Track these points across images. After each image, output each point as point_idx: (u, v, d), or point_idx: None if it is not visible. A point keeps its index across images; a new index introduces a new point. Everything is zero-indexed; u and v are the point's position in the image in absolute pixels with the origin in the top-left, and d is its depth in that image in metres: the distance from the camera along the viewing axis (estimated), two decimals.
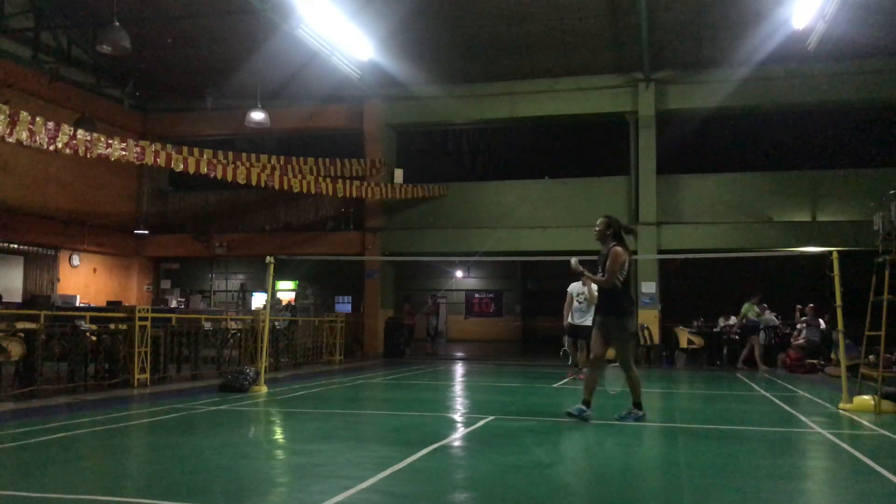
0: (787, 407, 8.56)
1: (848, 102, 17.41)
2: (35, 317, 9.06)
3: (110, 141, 11.18)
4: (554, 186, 18.92)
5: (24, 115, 9.66)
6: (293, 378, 11.75)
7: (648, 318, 16.89)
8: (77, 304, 16.57)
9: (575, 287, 11.54)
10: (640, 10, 14.57)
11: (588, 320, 11.29)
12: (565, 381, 11.72)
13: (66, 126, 10.45)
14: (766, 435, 6.87)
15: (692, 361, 16.82)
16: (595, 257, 7.20)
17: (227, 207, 20.87)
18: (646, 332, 16.57)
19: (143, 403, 8.36)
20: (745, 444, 6.17)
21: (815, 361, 14.38)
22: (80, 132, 10.61)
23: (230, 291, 26.13)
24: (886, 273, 7.90)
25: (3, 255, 17.03)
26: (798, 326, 15.57)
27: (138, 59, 17.25)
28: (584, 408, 6.90)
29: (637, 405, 7.08)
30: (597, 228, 7.07)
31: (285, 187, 15.50)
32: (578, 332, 11.36)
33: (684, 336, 16.89)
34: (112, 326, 10.00)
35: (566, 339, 12.17)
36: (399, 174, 18.73)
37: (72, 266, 18.81)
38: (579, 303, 11.50)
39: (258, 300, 24.18)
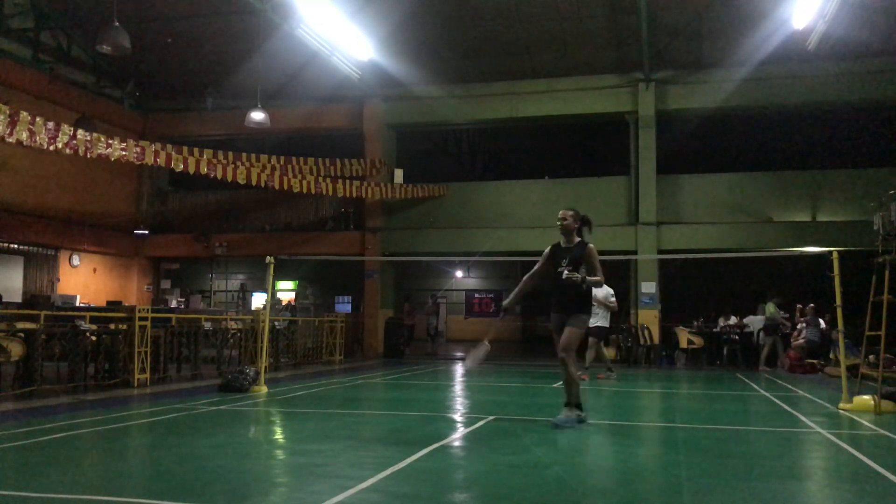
0: (787, 407, 8.55)
1: (848, 102, 17.42)
2: (35, 317, 9.07)
3: (110, 141, 11.18)
4: (554, 186, 18.92)
5: (24, 115, 9.66)
6: (293, 378, 11.74)
7: (648, 318, 16.90)
8: (77, 304, 16.57)
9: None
10: (640, 11, 14.58)
11: (597, 322, 11.65)
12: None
13: (66, 126, 10.46)
14: (766, 435, 6.86)
15: (692, 361, 16.81)
16: (601, 257, 7.01)
17: (227, 207, 20.87)
18: (646, 332, 16.57)
19: (143, 403, 8.35)
20: (745, 444, 6.16)
21: (815, 361, 14.38)
22: (80, 132, 10.62)
23: (230, 291, 26.13)
24: (886, 273, 7.89)
25: (3, 255, 17.03)
26: (798, 326, 15.56)
27: (138, 59, 17.25)
28: (580, 413, 6.58)
29: (576, 406, 6.56)
30: (565, 221, 6.61)
31: (285, 187, 15.51)
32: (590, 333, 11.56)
33: (684, 336, 16.88)
34: (112, 326, 10.00)
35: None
36: (399, 174, 18.74)
37: (72, 266, 18.81)
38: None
39: (258, 300, 24.18)
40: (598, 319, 12.07)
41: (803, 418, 7.52)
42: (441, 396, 9.99)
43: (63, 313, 11.09)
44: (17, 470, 4.73)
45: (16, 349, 8.43)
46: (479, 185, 21.27)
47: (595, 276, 6.49)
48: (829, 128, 20.01)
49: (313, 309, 21.98)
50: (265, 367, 10.14)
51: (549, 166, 21.50)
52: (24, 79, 16.56)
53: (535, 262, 6.92)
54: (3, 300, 15.68)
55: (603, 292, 12.11)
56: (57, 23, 17.25)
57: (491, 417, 7.02)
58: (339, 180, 16.86)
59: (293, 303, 23.66)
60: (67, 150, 10.42)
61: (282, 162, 16.13)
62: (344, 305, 25.14)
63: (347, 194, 17.04)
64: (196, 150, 14.15)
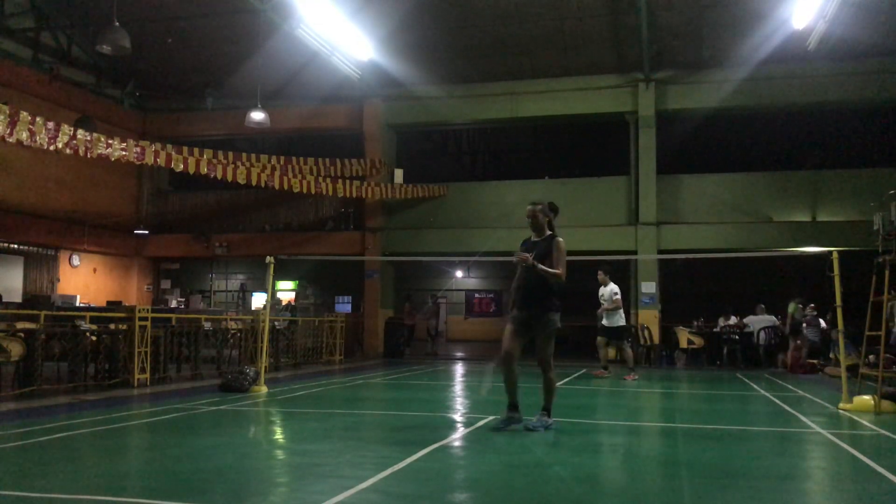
0: (787, 407, 8.55)
1: (848, 102, 17.42)
2: (35, 317, 9.06)
3: (110, 141, 11.18)
4: (554, 186, 18.91)
5: (24, 115, 9.66)
6: (293, 378, 11.74)
7: (648, 318, 16.89)
8: (77, 304, 16.56)
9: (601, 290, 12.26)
10: (640, 11, 14.58)
11: (617, 321, 12.24)
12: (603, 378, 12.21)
13: (66, 126, 10.46)
14: (766, 435, 6.86)
15: (692, 361, 16.82)
16: (598, 257, 7.02)
17: (227, 207, 20.88)
18: (646, 332, 16.57)
19: (143, 403, 8.35)
20: (745, 444, 6.16)
21: (815, 361, 14.37)
22: (80, 132, 10.62)
23: (230, 291, 26.13)
24: (886, 273, 7.89)
25: (3, 255, 17.03)
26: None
27: (138, 59, 17.26)
28: (512, 415, 6.26)
29: (547, 411, 6.33)
30: (534, 217, 6.45)
31: (285, 187, 15.51)
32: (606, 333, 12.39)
33: (684, 336, 16.88)
34: (112, 326, 10.00)
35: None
36: (399, 174, 18.74)
37: (72, 266, 18.81)
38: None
39: (258, 300, 24.17)
40: (617, 319, 12.20)
41: (803, 418, 7.52)
42: (441, 396, 9.99)
43: (63, 313, 11.09)
44: (17, 470, 4.72)
45: (16, 349, 8.43)
46: (479, 185, 21.27)
47: (555, 268, 6.17)
48: (829, 128, 20.01)
49: (313, 309, 21.98)
50: (265, 367, 10.14)
51: (549, 166, 21.51)
52: (24, 79, 16.56)
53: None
54: (3, 300, 15.69)
55: (608, 291, 12.21)
56: (57, 23, 17.26)
57: (491, 417, 7.02)
58: (339, 180, 16.85)
59: (293, 303, 23.66)
60: (67, 150, 10.42)
61: (282, 162, 16.12)
62: (344, 305, 25.12)
63: (347, 194, 17.04)
64: (196, 150, 14.15)
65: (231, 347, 12.62)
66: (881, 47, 15.99)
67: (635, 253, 17.14)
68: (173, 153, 12.97)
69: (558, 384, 11.30)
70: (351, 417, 7.59)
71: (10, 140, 9.60)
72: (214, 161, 14.13)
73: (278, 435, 6.56)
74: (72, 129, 10.54)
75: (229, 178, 14.13)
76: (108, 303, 17.67)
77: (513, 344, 6.24)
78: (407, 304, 19.99)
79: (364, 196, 17.77)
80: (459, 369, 14.56)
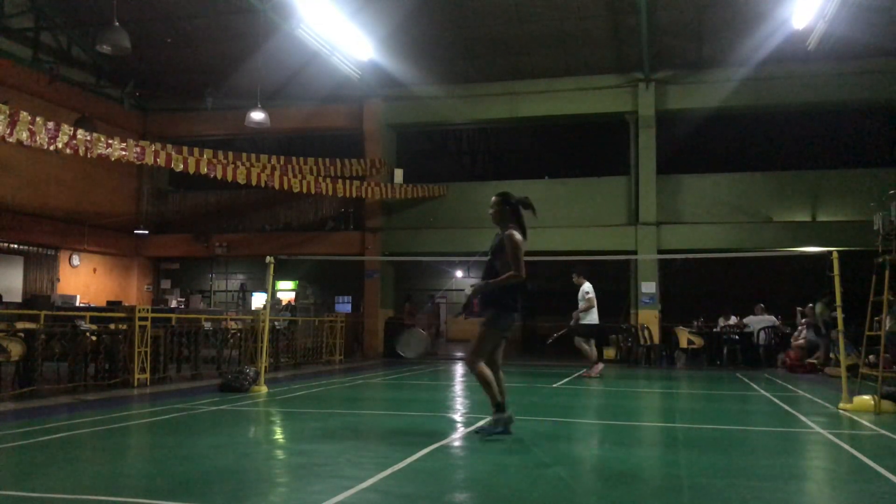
0: (787, 407, 8.55)
1: (848, 102, 17.41)
2: (35, 317, 9.07)
3: (110, 141, 11.18)
4: (554, 186, 18.91)
5: (24, 115, 9.66)
6: (293, 378, 11.75)
7: (648, 318, 16.89)
8: (77, 304, 16.57)
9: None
10: (640, 10, 14.58)
11: (585, 319, 12.27)
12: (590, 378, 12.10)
13: (66, 126, 10.45)
14: (766, 435, 6.86)
15: (692, 361, 16.82)
16: (598, 257, 6.97)
17: (227, 207, 20.87)
18: (646, 332, 16.58)
19: (143, 403, 8.35)
20: (745, 444, 6.16)
21: (815, 361, 14.37)
22: (80, 132, 10.61)
23: (230, 291, 26.12)
24: (886, 273, 7.90)
25: (3, 255, 17.03)
26: (799, 327, 15.56)
27: (138, 59, 17.25)
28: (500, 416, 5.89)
29: (497, 406, 5.83)
30: (491, 210, 6.20)
31: (285, 187, 15.50)
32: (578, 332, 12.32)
33: (684, 336, 16.88)
34: (112, 326, 10.00)
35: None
36: (399, 174, 18.74)
37: (72, 266, 18.81)
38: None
39: (258, 300, 24.17)
40: (589, 318, 12.22)
41: (803, 418, 7.52)
42: (441, 396, 9.99)
43: (63, 313, 11.09)
44: (17, 470, 4.73)
45: (16, 349, 8.44)
46: (479, 185, 21.24)
47: (505, 272, 5.80)
48: (829, 128, 20.00)
49: (313, 309, 21.98)
50: (265, 367, 10.14)
51: (549, 166, 21.49)
52: (24, 79, 16.56)
53: (533, 262, 6.92)
54: (3, 300, 15.69)
55: (581, 291, 12.28)
56: (57, 23, 17.26)
57: (491, 417, 7.01)
58: (339, 180, 16.85)
59: (293, 303, 23.65)
60: (67, 150, 10.42)
61: (282, 162, 16.12)
62: (344, 305, 25.12)
63: (347, 194, 17.04)
64: (196, 150, 14.14)
65: (231, 347, 12.62)
66: (881, 47, 15.99)
67: (635, 253, 17.14)
68: (173, 153, 12.97)
69: (558, 384, 11.33)
70: (351, 417, 7.60)
71: (10, 140, 9.60)
72: (214, 161, 14.12)
73: (278, 435, 6.56)
74: (72, 129, 10.54)
75: (229, 178, 14.12)
76: (108, 303, 17.68)
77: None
78: (407, 304, 19.98)
79: (364, 196, 17.77)
80: (459, 369, 14.56)
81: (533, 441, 5.92)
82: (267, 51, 15.38)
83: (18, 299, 16.78)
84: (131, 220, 20.67)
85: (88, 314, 10.85)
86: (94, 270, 19.65)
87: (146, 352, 10.00)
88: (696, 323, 17.57)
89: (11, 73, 16.23)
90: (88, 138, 10.72)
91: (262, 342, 10.29)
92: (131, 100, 20.07)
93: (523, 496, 4.14)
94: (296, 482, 4.49)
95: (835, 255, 8.27)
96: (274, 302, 17.24)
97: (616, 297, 18.48)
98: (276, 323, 14.12)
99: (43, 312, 9.23)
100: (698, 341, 16.74)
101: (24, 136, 9.63)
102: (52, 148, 10.16)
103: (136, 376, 9.77)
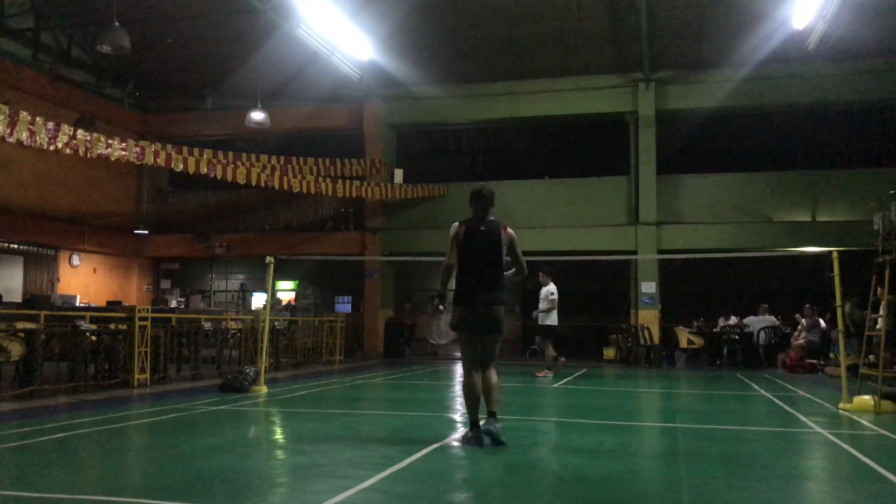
0: (787, 407, 8.56)
1: (848, 102, 17.42)
2: (35, 317, 9.06)
3: (110, 141, 11.18)
4: (554, 186, 18.91)
5: (24, 115, 9.66)
6: (293, 378, 11.75)
7: (648, 318, 16.89)
8: (77, 304, 16.56)
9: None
10: (640, 10, 14.58)
11: (544, 320, 12.30)
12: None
13: (66, 126, 10.45)
14: (766, 435, 6.86)
15: (692, 361, 16.82)
16: (598, 257, 6.92)
17: (227, 207, 20.87)
18: (646, 332, 16.58)
19: (143, 403, 8.35)
20: (745, 444, 6.16)
21: (815, 361, 14.38)
22: (80, 132, 10.61)
23: (230, 291, 26.10)
24: (886, 273, 7.90)
25: (3, 255, 17.03)
26: (799, 327, 15.56)
27: (138, 59, 17.27)
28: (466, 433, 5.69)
29: (471, 423, 5.62)
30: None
31: (285, 187, 15.50)
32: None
33: (684, 336, 16.89)
34: (112, 326, 10.00)
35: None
36: (399, 174, 18.73)
37: (72, 266, 18.81)
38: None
39: (258, 300, 24.16)
40: (550, 319, 12.23)
41: (803, 418, 7.52)
42: (441, 396, 9.99)
43: (63, 313, 11.09)
44: (17, 470, 4.73)
45: (16, 349, 8.44)
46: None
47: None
48: (829, 128, 19.99)
49: (313, 309, 21.97)
50: (265, 367, 10.14)
51: (549, 166, 21.48)
52: (24, 79, 16.56)
53: (533, 262, 6.88)
54: (3, 300, 15.68)
55: (545, 291, 12.30)
56: (57, 23, 17.26)
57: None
58: (339, 180, 16.85)
59: (293, 303, 23.65)
60: (67, 150, 10.42)
61: (282, 162, 16.12)
62: (344, 305, 25.10)
63: (347, 194, 17.04)
64: (196, 150, 14.14)
65: (231, 347, 12.62)
66: (881, 47, 15.99)
67: (635, 253, 17.14)
68: (173, 153, 12.97)
69: (557, 384, 11.34)
70: (351, 417, 7.60)
71: (10, 140, 9.60)
72: (214, 161, 14.12)
73: (278, 435, 6.56)
74: (72, 129, 10.53)
75: (229, 178, 14.12)
76: (108, 303, 17.67)
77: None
78: (407, 304, 19.99)
79: (364, 196, 17.77)
80: (459, 369, 14.56)
81: (533, 441, 5.92)
82: (267, 51, 15.37)
83: (18, 299, 16.77)
84: (131, 220, 20.67)
85: (88, 314, 10.84)
86: (94, 270, 19.64)
87: (146, 352, 10.00)
88: (696, 323, 17.57)
89: (11, 73, 16.23)
90: (88, 138, 10.72)
91: (262, 342, 10.30)
92: (131, 100, 20.07)
93: (523, 496, 4.14)
94: (296, 482, 4.49)
95: (835, 255, 8.27)
96: (274, 302, 17.23)
97: (616, 297, 18.51)
98: (276, 323, 14.11)
99: (43, 312, 9.23)
100: (698, 341, 16.74)
101: (24, 136, 9.62)
102: (52, 148, 10.16)
103: (136, 376, 9.78)
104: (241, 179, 14.47)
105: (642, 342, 16.56)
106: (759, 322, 16.29)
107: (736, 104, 17.37)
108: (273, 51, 15.47)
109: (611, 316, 18.86)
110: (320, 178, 16.39)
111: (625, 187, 18.04)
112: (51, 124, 10.07)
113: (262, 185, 15.17)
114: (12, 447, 5.49)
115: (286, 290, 25.98)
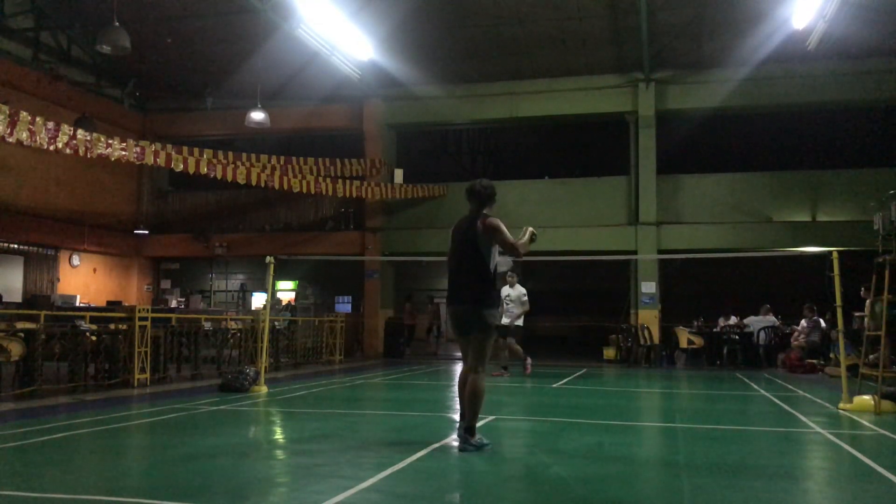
0: (787, 407, 8.56)
1: (848, 102, 17.41)
2: (35, 317, 9.06)
3: (110, 141, 11.17)
4: (554, 186, 18.92)
5: (24, 115, 9.65)
6: (293, 378, 11.75)
7: (648, 318, 16.90)
8: (77, 304, 16.55)
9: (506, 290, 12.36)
10: (640, 10, 14.57)
11: (514, 320, 12.20)
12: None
13: (66, 126, 10.45)
14: (766, 435, 6.86)
15: (692, 361, 16.82)
16: (598, 257, 6.79)
17: (227, 207, 20.87)
18: (646, 332, 16.58)
19: (143, 403, 8.35)
20: (745, 444, 6.16)
21: (815, 361, 14.38)
22: (80, 132, 10.61)
23: (230, 291, 26.10)
24: (886, 273, 7.90)
25: (3, 255, 17.02)
26: (798, 327, 15.56)
27: (138, 59, 17.25)
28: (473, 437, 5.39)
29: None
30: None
31: (285, 187, 15.50)
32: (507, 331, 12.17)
33: (684, 336, 16.88)
34: (112, 326, 10.00)
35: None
36: (399, 174, 18.73)
37: (72, 266, 18.80)
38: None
39: (258, 300, 24.16)
40: (520, 320, 12.20)
41: (803, 418, 7.52)
42: (441, 396, 9.99)
43: (63, 313, 11.09)
44: (17, 470, 4.73)
45: (16, 349, 8.44)
46: None
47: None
48: (829, 128, 19.99)
49: (313, 309, 21.97)
50: (265, 367, 10.15)
51: (549, 166, 21.48)
52: (24, 79, 16.56)
53: (533, 262, 6.84)
54: (3, 300, 15.68)
55: (517, 293, 12.26)
56: (57, 23, 17.25)
57: (491, 417, 7.02)
58: (339, 180, 16.84)
59: (293, 303, 23.65)
60: (67, 150, 10.41)
61: (282, 162, 16.11)
62: (344, 305, 25.11)
63: (347, 194, 17.03)
64: (196, 150, 14.13)
65: (231, 347, 12.62)
66: (881, 47, 15.98)
67: (635, 253, 17.14)
68: (173, 153, 12.97)
69: (557, 384, 11.33)
70: (351, 417, 7.60)
71: (10, 140, 9.60)
72: (214, 161, 14.12)
73: (278, 435, 6.56)
74: (72, 129, 10.53)
75: (229, 178, 14.12)
76: (108, 303, 17.66)
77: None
78: (407, 304, 19.98)
79: (364, 196, 17.77)
80: (459, 369, 14.56)
81: (533, 441, 5.92)
82: (267, 51, 15.36)
83: (18, 299, 16.77)
84: (131, 220, 20.67)
85: (88, 314, 10.84)
86: (94, 270, 19.64)
87: (146, 352, 10.00)
88: (696, 323, 17.57)
89: (11, 73, 16.23)
90: (88, 138, 10.71)
91: (262, 342, 10.30)
92: (131, 100, 20.07)
93: (523, 496, 4.14)
94: (296, 482, 4.49)
95: (835, 255, 8.27)
96: (274, 302, 17.23)
97: (616, 297, 18.50)
98: (276, 323, 14.11)
99: (43, 312, 9.23)
100: (698, 341, 16.74)
101: (24, 136, 9.62)
102: (52, 148, 10.16)
103: (136, 376, 9.78)
104: (241, 179, 14.47)
105: (642, 342, 16.57)
106: (759, 322, 16.29)
107: (736, 104, 17.37)
108: (273, 51, 15.46)
109: (611, 316, 18.85)
110: (320, 178, 16.39)
111: (625, 187, 18.04)
112: (51, 124, 10.07)
113: (262, 185, 15.16)
114: (12, 447, 5.49)
115: (286, 290, 25.99)
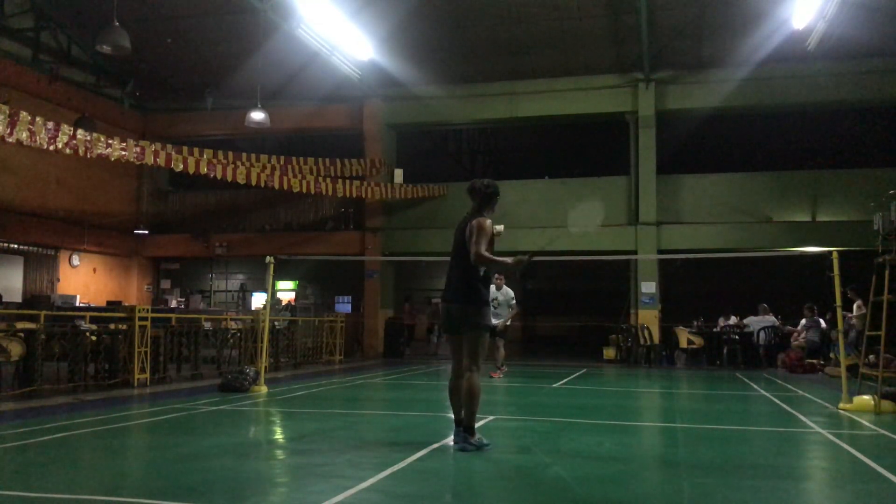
0: (787, 407, 8.56)
1: (848, 102, 17.41)
2: (35, 317, 9.06)
3: (110, 141, 11.17)
4: (554, 186, 18.91)
5: (24, 115, 9.65)
6: (293, 378, 11.74)
7: (648, 318, 16.89)
8: (77, 304, 16.56)
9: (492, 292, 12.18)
10: (640, 10, 14.58)
11: (502, 322, 11.80)
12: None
13: (66, 126, 10.45)
14: (766, 435, 6.86)
15: (692, 361, 16.81)
16: (598, 257, 6.71)
17: (227, 207, 20.86)
18: (646, 332, 16.58)
19: (143, 403, 8.35)
20: (745, 444, 6.17)
21: (815, 361, 14.38)
22: (80, 132, 10.61)
23: (230, 291, 26.09)
24: (886, 273, 7.89)
25: (3, 255, 17.02)
26: (798, 328, 15.56)
27: (138, 59, 17.24)
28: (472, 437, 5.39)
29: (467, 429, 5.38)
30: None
31: (285, 187, 15.50)
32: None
33: (684, 336, 16.88)
34: (112, 326, 10.00)
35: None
36: (399, 174, 18.73)
37: (72, 266, 18.80)
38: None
39: (258, 300, 24.15)
40: (507, 322, 12.07)
41: (803, 418, 7.52)
42: (441, 396, 9.96)
43: (63, 313, 11.09)
44: (17, 470, 4.73)
45: (16, 349, 8.43)
46: None
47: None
48: (829, 128, 19.99)
49: (313, 309, 21.97)
50: (265, 367, 10.14)
51: (549, 166, 21.48)
52: (24, 79, 16.56)
53: (534, 262, 6.77)
54: (3, 300, 15.68)
55: (506, 295, 12.03)
56: (57, 23, 17.25)
57: (491, 417, 7.02)
58: (339, 180, 16.84)
59: (293, 303, 23.64)
60: (67, 150, 10.41)
61: (282, 162, 16.11)
62: (344, 305, 25.10)
63: (347, 194, 17.03)
64: (196, 150, 14.13)
65: (231, 347, 12.62)
66: (881, 47, 15.98)
67: (635, 253, 17.14)
68: (173, 153, 12.96)
69: (556, 384, 11.33)
70: (351, 417, 7.60)
71: (10, 140, 9.60)
72: (214, 161, 14.12)
73: (278, 435, 6.56)
74: (72, 129, 10.53)
75: (229, 178, 14.12)
76: (108, 303, 17.67)
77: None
78: (407, 304, 19.98)
79: (364, 196, 17.77)
80: None
81: (533, 441, 5.92)
82: (267, 51, 15.36)
83: (18, 299, 16.77)
84: (131, 220, 20.67)
85: (88, 314, 10.84)
86: (94, 270, 19.64)
87: (146, 352, 10.00)
88: (696, 323, 17.57)
89: (11, 73, 16.22)
90: (88, 138, 10.71)
91: (262, 342, 10.30)
92: (131, 100, 20.07)
93: (524, 496, 4.14)
94: (296, 482, 4.49)
95: (835, 255, 8.27)
96: (274, 302, 17.23)
97: (616, 297, 18.50)
98: (276, 323, 14.11)
99: (43, 312, 9.22)
100: (698, 341, 16.73)
101: (24, 136, 9.62)
102: (51, 148, 10.16)
103: (136, 376, 9.77)
104: (241, 179, 14.47)
105: (642, 342, 16.56)
106: (759, 322, 16.29)
107: (736, 104, 17.37)
108: (273, 51, 15.46)
109: (611, 316, 18.85)
110: (320, 178, 16.39)
111: (625, 187, 18.04)
112: (51, 124, 10.07)
113: (262, 185, 15.16)
114: (12, 447, 5.49)
115: (286, 290, 25.97)
